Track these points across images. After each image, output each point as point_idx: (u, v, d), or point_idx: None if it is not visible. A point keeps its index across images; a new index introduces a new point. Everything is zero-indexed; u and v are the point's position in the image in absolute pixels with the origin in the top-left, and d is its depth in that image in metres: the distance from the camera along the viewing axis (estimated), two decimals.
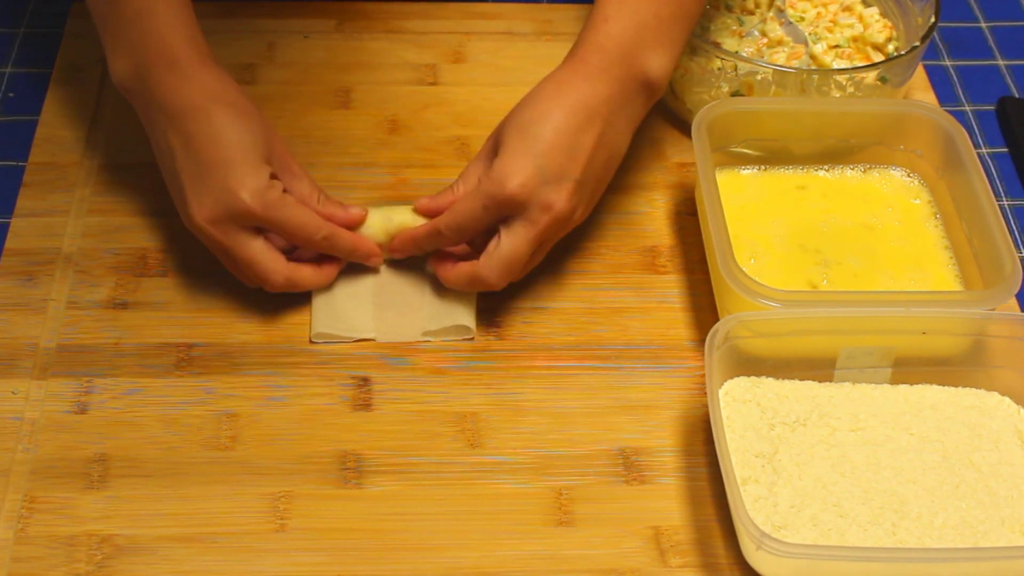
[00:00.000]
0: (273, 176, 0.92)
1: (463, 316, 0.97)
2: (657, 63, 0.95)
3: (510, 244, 0.92)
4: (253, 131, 0.92)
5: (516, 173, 0.90)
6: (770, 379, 0.93)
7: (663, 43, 0.95)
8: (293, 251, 0.96)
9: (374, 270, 0.99)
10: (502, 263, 0.92)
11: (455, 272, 0.95)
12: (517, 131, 0.92)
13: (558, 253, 1.02)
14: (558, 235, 0.95)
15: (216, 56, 1.09)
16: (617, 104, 0.94)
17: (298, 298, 0.98)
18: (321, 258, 0.97)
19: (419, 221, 0.96)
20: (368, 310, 0.97)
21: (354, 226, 0.97)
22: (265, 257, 0.93)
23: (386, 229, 0.97)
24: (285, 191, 0.93)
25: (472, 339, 0.97)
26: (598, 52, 0.94)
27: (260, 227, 0.93)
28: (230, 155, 0.91)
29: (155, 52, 0.93)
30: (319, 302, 0.97)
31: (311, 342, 0.96)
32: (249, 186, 0.90)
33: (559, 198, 0.91)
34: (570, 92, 0.93)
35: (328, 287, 0.98)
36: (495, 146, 0.94)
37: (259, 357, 0.96)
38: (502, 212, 0.92)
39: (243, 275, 0.96)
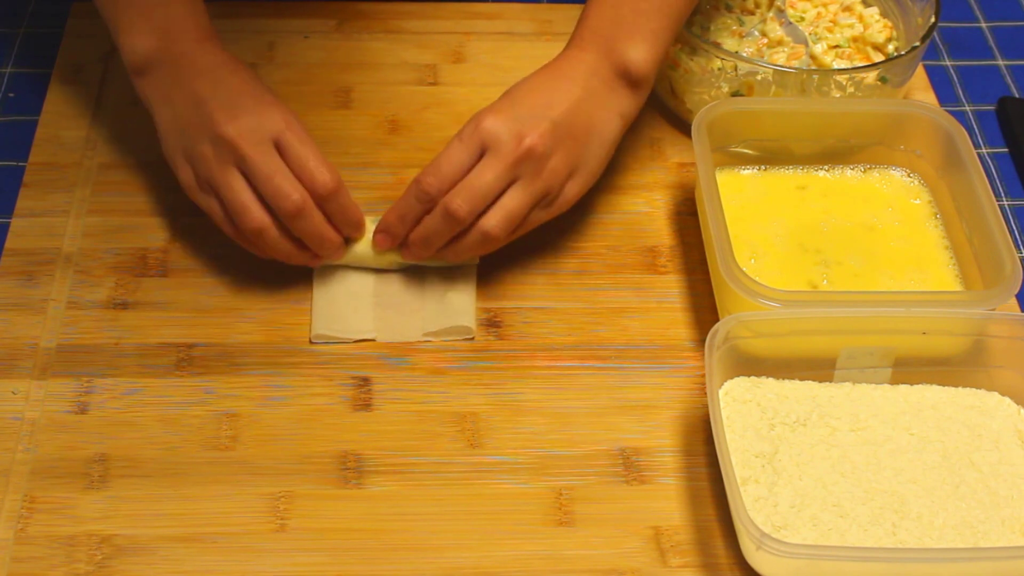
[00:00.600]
0: None
1: (463, 316, 0.97)
2: (636, 53, 0.97)
3: (477, 171, 0.93)
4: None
5: (493, 111, 0.94)
6: (770, 379, 0.93)
7: (643, 34, 0.98)
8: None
9: (374, 270, 0.99)
10: (466, 187, 0.92)
11: (427, 219, 0.94)
12: (501, 96, 0.97)
13: (558, 253, 1.03)
14: (536, 183, 0.94)
15: None
16: (596, 81, 0.97)
17: (298, 298, 0.98)
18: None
19: None
20: (368, 310, 0.97)
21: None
22: (287, 172, 0.93)
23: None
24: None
25: (472, 339, 0.97)
26: (577, 42, 0.99)
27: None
28: (261, 89, 0.96)
29: (180, 30, 0.98)
30: (319, 302, 0.97)
31: (311, 342, 0.96)
32: (280, 107, 0.95)
33: (532, 133, 0.93)
34: (551, 68, 0.98)
35: (328, 287, 0.98)
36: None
37: (259, 357, 0.96)
38: (478, 147, 0.93)
39: (245, 203, 0.93)
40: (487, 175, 0.93)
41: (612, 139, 0.98)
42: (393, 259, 0.98)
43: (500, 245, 0.96)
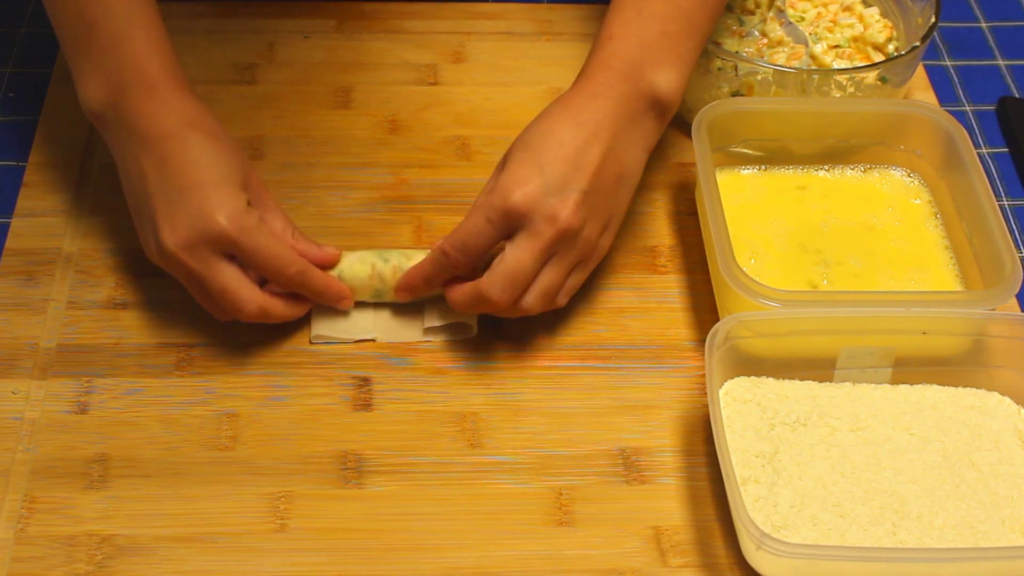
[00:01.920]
0: (249, 204, 0.90)
1: (464, 314, 0.97)
2: (665, 80, 0.93)
3: (513, 256, 0.89)
4: (230, 158, 0.91)
5: (520, 184, 0.89)
6: (770, 379, 0.93)
7: (671, 59, 0.93)
8: (264, 285, 0.93)
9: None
10: (505, 276, 0.89)
11: (460, 290, 0.92)
12: (522, 148, 0.91)
13: None
14: (571, 254, 0.91)
15: (216, 56, 1.09)
16: (625, 121, 0.92)
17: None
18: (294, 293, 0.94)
19: (414, 260, 0.95)
20: (368, 310, 0.97)
21: (328, 265, 0.94)
22: (239, 285, 0.90)
23: (379, 272, 0.96)
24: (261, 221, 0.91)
25: (473, 338, 0.97)
26: (603, 70, 0.93)
27: (233, 255, 0.90)
28: (207, 178, 0.89)
29: (132, 78, 0.91)
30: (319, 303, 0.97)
31: (311, 343, 0.96)
32: (226, 209, 0.88)
33: (564, 208, 0.88)
34: (575, 109, 0.92)
35: None
36: (502, 166, 0.92)
37: (259, 357, 0.96)
38: (507, 224, 0.89)
39: (214, 306, 0.93)
40: (525, 261, 0.89)
41: (638, 178, 0.95)
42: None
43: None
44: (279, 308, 0.93)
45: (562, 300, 0.93)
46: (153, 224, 0.90)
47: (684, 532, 0.88)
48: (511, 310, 0.92)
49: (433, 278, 0.93)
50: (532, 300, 0.91)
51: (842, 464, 0.88)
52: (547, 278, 0.91)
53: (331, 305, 0.95)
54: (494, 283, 0.90)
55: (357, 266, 0.96)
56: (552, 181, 0.89)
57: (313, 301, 0.95)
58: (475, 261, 0.92)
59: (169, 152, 0.89)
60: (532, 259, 0.89)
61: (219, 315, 0.93)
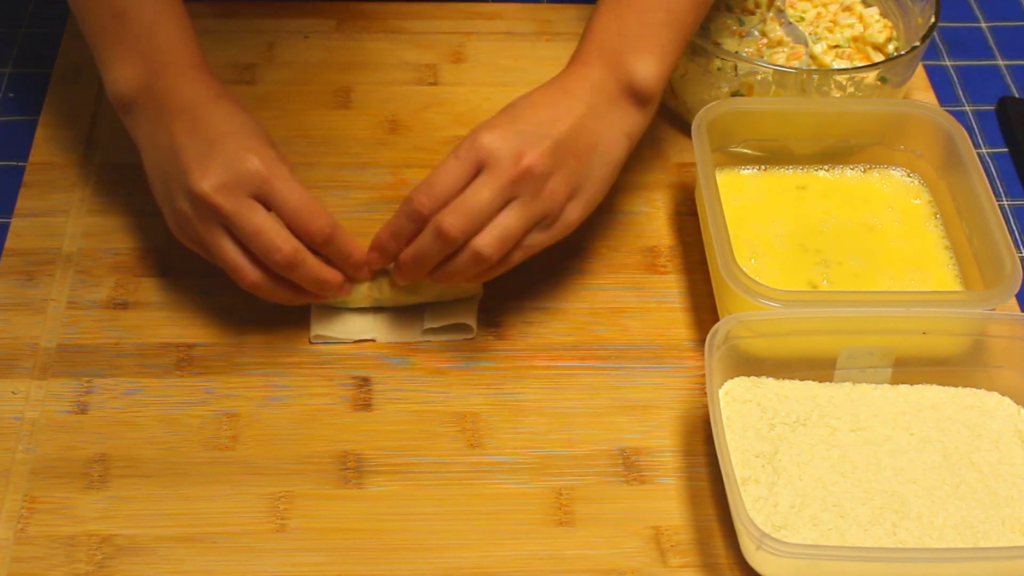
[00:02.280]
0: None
1: (464, 314, 0.97)
2: (643, 68, 0.93)
3: (472, 189, 0.88)
4: (259, 127, 0.93)
5: (491, 127, 0.89)
6: (770, 379, 0.93)
7: (650, 49, 0.94)
8: None
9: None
10: (461, 205, 0.88)
11: (417, 241, 0.90)
12: (501, 111, 0.93)
13: (558, 253, 1.02)
14: (534, 204, 0.90)
15: (216, 56, 1.10)
16: (603, 102, 0.93)
17: None
18: None
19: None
20: (368, 311, 0.97)
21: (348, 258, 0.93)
22: (273, 225, 0.89)
23: (378, 282, 0.96)
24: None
25: (473, 338, 0.97)
26: (584, 59, 0.95)
27: (265, 200, 0.89)
28: (239, 131, 0.91)
29: (166, 60, 0.94)
30: (318, 303, 0.97)
31: (310, 343, 0.96)
32: (260, 153, 0.89)
33: (531, 150, 0.88)
34: (554, 86, 0.94)
35: None
36: None
37: (259, 357, 0.96)
38: (474, 163, 0.88)
39: (239, 263, 0.90)
40: (483, 193, 0.88)
41: (617, 160, 0.94)
42: (395, 297, 0.96)
43: (495, 268, 0.92)
44: (312, 260, 0.91)
45: (517, 257, 0.92)
46: (182, 178, 0.89)
47: (684, 532, 0.88)
48: (469, 255, 0.89)
49: (400, 230, 0.91)
50: (488, 240, 0.89)
51: (842, 464, 0.88)
52: (505, 220, 0.89)
53: (351, 274, 0.94)
54: (447, 213, 0.88)
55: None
56: (524, 129, 0.90)
57: (318, 294, 0.93)
58: (441, 204, 0.89)
59: (201, 115, 0.91)
60: (492, 194, 0.88)
61: (243, 275, 0.91)
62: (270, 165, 0.89)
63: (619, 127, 0.94)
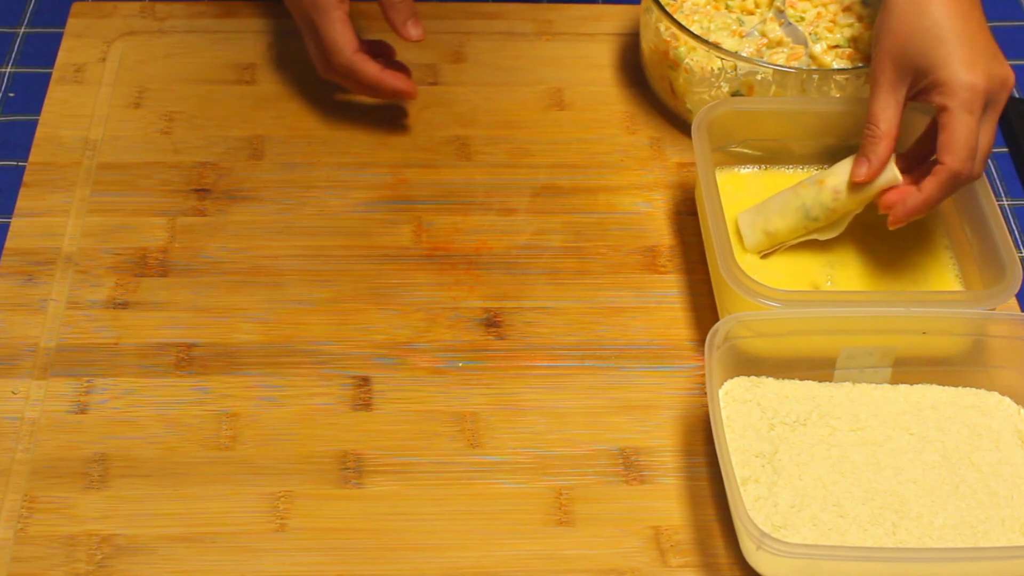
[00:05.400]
0: None
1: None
2: None
3: (986, 137, 0.92)
4: None
5: (969, 65, 0.91)
6: (770, 379, 0.93)
7: None
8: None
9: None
10: (985, 155, 0.92)
11: (928, 183, 0.93)
12: (933, 42, 0.92)
13: (558, 253, 1.02)
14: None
15: (216, 56, 1.09)
16: None
17: (298, 298, 0.98)
18: None
19: (829, 183, 0.97)
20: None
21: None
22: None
23: (820, 201, 0.98)
24: None
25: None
26: None
27: None
28: None
29: None
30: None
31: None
32: None
33: (1006, 69, 0.92)
34: None
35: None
36: (901, 71, 0.93)
37: (259, 357, 0.96)
38: (984, 109, 0.91)
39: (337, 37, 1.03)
40: (991, 134, 0.92)
41: None
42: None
43: None
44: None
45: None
46: None
47: (684, 532, 0.88)
48: (950, 191, 0.93)
49: (940, 200, 0.94)
50: (979, 167, 0.93)
51: (842, 464, 0.88)
52: (984, 140, 0.93)
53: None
54: (966, 159, 0.91)
55: (780, 222, 0.99)
56: (981, 50, 0.91)
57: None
58: (983, 165, 0.93)
59: None
60: (994, 128, 0.93)
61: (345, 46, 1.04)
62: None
63: None
